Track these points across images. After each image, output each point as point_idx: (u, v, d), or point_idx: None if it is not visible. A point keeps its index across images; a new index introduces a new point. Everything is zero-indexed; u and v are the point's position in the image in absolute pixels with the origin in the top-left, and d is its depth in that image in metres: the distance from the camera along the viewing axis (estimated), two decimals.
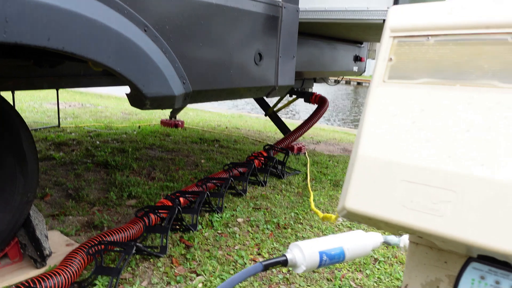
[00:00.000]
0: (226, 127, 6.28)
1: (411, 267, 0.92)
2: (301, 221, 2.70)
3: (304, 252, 1.13)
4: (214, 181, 3.00)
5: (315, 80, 5.00)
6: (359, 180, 0.72)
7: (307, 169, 3.93)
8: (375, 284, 2.04)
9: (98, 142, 4.50)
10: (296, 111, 11.11)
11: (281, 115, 9.59)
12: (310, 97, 4.56)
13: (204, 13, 1.64)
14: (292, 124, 7.29)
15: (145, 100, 1.38)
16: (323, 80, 5.11)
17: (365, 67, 5.32)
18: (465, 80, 0.70)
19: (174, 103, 1.49)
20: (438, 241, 0.75)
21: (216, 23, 1.70)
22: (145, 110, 1.52)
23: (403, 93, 0.75)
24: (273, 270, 2.08)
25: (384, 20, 2.52)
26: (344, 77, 5.35)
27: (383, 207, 0.69)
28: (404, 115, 0.72)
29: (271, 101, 5.46)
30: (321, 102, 4.46)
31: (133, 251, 1.88)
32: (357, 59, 5.09)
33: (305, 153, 4.65)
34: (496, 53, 0.69)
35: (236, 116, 8.04)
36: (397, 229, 0.70)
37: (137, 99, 1.40)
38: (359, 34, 4.05)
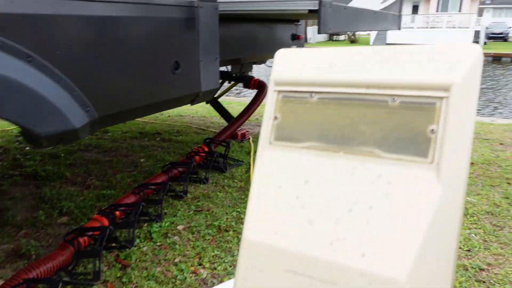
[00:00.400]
0: (169, 116, 6.09)
1: None
2: (243, 220, 2.66)
3: None
4: (152, 187, 2.88)
5: (254, 63, 4.90)
6: (246, 269, 0.65)
7: (250, 158, 3.88)
8: None
9: (27, 148, 4.20)
10: (240, 88, 10.96)
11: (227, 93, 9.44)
12: (249, 82, 4.47)
13: (103, 28, 1.48)
14: (238, 103, 7.18)
15: (40, 140, 1.24)
16: (262, 62, 5.02)
17: (304, 43, 5.27)
18: (349, 146, 0.64)
19: (77, 136, 1.35)
20: None
21: (120, 38, 1.55)
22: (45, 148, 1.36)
23: (289, 159, 0.69)
24: None
25: (310, 11, 2.44)
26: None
27: None
28: (289, 188, 0.66)
29: None
30: (260, 87, 4.38)
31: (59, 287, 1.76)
32: (295, 37, 5.01)
33: (249, 139, 4.60)
34: (377, 117, 0.64)
35: None
36: None
37: (32, 138, 1.25)
38: (292, 16, 3.97)
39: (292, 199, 0.65)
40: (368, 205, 0.58)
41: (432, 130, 0.59)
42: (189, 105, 7.55)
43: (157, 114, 6.16)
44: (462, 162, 0.59)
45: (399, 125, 0.61)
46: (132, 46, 1.62)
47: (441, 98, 0.60)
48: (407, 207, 0.55)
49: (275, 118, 0.73)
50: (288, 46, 4.83)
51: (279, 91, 0.75)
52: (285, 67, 0.75)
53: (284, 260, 0.61)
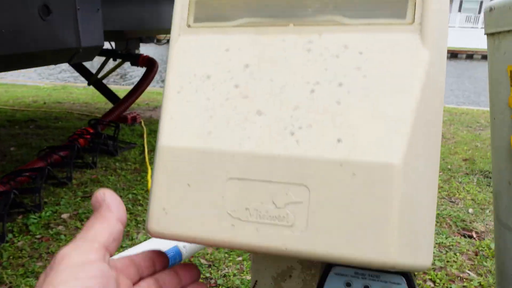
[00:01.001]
0: (45, 103, 5.37)
1: (259, 260, 0.72)
2: (141, 202, 2.39)
3: None
4: (27, 174, 2.43)
5: (141, 40, 4.53)
6: (166, 186, 0.46)
7: (143, 140, 3.56)
8: (226, 255, 1.90)
9: None
10: (124, 74, 10.26)
11: (110, 81, 8.75)
12: (137, 60, 4.10)
13: None
14: (126, 91, 6.66)
15: None
16: (150, 39, 4.66)
17: None
18: (301, 17, 0.49)
19: None
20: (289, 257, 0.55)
21: None
22: None
23: (217, 43, 0.50)
24: None
25: None
26: None
27: (208, 224, 0.44)
28: (223, 77, 0.48)
29: (94, 67, 4.78)
30: (150, 65, 4.06)
31: None
32: None
33: (140, 122, 4.25)
34: None
35: (59, 88, 6.98)
36: (234, 249, 0.48)
37: None
38: None
39: (229, 89, 0.47)
40: (337, 82, 0.44)
41: None
42: (70, 89, 6.69)
43: (30, 101, 5.39)
44: (444, 20, 0.47)
45: None
46: None
47: None
48: (389, 79, 0.42)
49: None
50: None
51: None
52: None
53: (226, 167, 0.44)
